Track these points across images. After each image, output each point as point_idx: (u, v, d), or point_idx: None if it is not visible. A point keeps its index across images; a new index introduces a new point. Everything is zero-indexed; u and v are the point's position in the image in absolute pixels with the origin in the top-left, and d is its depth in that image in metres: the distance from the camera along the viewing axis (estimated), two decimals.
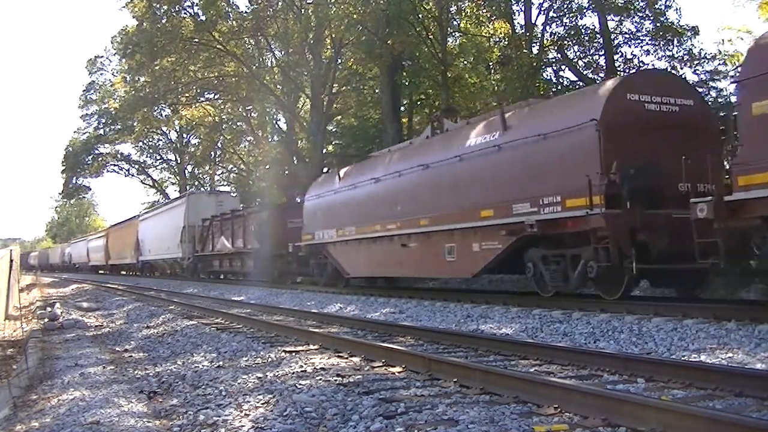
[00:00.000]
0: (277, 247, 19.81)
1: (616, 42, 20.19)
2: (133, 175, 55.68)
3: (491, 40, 22.98)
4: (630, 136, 8.88)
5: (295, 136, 32.56)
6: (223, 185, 48.53)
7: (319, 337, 7.69)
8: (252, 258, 21.91)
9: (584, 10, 20.63)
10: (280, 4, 28.41)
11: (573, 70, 20.69)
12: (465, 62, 23.72)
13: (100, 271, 52.76)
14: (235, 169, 46.70)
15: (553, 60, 21.15)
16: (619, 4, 19.73)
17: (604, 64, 20.12)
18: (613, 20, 20.22)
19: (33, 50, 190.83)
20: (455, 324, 9.10)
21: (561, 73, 21.43)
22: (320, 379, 5.32)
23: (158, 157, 55.15)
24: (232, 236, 24.02)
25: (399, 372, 5.57)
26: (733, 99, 8.61)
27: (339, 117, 32.28)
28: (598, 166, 8.74)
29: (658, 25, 19.55)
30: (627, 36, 20.36)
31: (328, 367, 5.85)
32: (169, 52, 30.06)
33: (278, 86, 32.12)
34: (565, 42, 20.61)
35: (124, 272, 46.31)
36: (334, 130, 32.32)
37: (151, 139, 52.50)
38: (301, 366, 5.97)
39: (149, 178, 56.38)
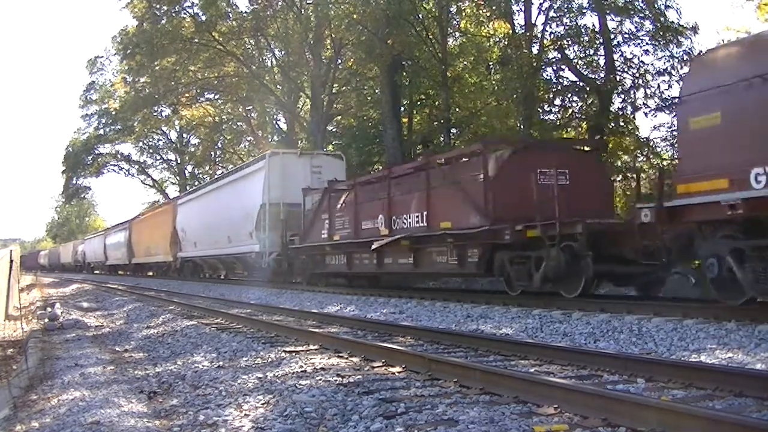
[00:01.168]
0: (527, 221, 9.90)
1: (615, 42, 20.20)
2: (133, 175, 55.75)
3: (491, 40, 22.98)
4: None
5: (295, 136, 32.58)
6: None
7: (319, 337, 7.69)
8: (464, 246, 11.22)
9: (584, 10, 20.64)
10: (280, 4, 28.45)
11: (573, 70, 20.71)
12: (465, 62, 23.73)
13: (120, 272, 44.45)
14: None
15: (553, 60, 21.16)
16: (619, 4, 19.73)
17: (603, 64, 20.14)
18: (613, 20, 20.24)
19: (33, 50, 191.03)
20: (455, 324, 9.10)
21: (561, 73, 21.44)
22: (320, 379, 5.32)
23: (158, 157, 55.20)
24: (391, 210, 13.29)
25: (399, 372, 5.57)
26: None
27: (339, 117, 32.30)
28: None
29: (658, 25, 19.56)
30: (627, 36, 20.38)
31: (328, 367, 5.85)
32: (169, 52, 30.12)
33: (278, 86, 32.17)
34: (565, 42, 20.61)
35: (151, 273, 37.49)
36: (334, 130, 32.32)
37: (151, 139, 52.52)
38: (301, 366, 5.97)
39: (149, 178, 56.41)
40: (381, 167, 22.07)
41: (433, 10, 23.08)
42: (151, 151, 54.46)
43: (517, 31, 21.18)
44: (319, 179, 18.49)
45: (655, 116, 24.70)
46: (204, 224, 24.80)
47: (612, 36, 20.04)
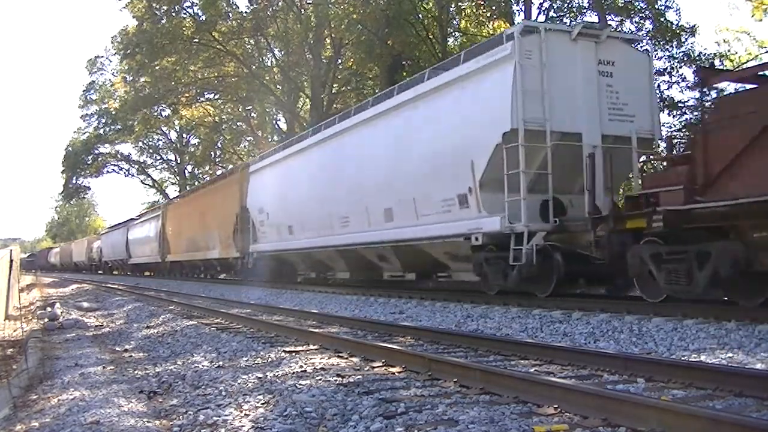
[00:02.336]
0: None
1: None
2: (133, 175, 55.94)
3: None
4: None
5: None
6: None
7: (319, 337, 7.69)
8: None
9: (584, 10, 20.68)
10: (280, 4, 28.50)
11: None
12: None
13: (146, 273, 36.99)
14: None
15: None
16: (619, 4, 19.76)
17: None
18: (613, 20, 20.25)
19: (33, 50, 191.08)
20: (455, 324, 9.10)
21: None
22: (320, 379, 5.32)
23: (158, 157, 55.41)
24: None
25: (399, 372, 5.56)
26: None
27: None
28: None
29: (658, 25, 19.59)
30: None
31: (328, 367, 5.85)
32: (169, 52, 30.17)
33: (278, 86, 32.19)
34: None
35: (177, 275, 29.53)
36: None
37: (151, 139, 52.69)
38: (301, 366, 5.97)
39: (149, 178, 56.59)
40: None
41: (433, 10, 23.10)
42: (151, 151, 54.66)
43: None
44: (609, 89, 10.18)
45: None
46: (317, 194, 15.31)
47: None
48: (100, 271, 48.62)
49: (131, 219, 41.41)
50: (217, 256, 22.90)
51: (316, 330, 8.53)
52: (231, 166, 28.06)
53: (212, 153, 48.88)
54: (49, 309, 14.10)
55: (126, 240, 38.39)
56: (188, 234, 26.76)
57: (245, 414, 4.42)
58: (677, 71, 19.25)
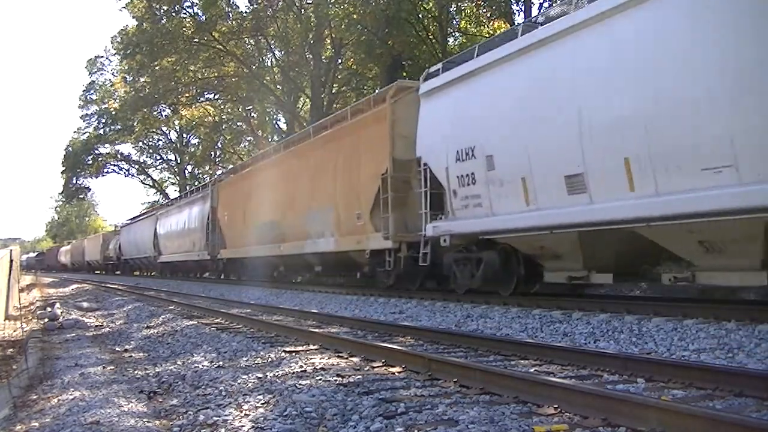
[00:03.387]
0: None
1: None
2: (133, 175, 55.97)
3: None
4: None
5: None
6: None
7: (319, 337, 7.69)
8: None
9: None
10: (280, 4, 28.52)
11: None
12: None
13: (180, 274, 29.80)
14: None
15: None
16: None
17: None
18: None
19: (33, 50, 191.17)
20: (455, 324, 9.10)
21: None
22: (320, 379, 5.32)
23: (158, 157, 55.46)
24: None
25: (399, 372, 5.56)
26: None
27: None
28: None
29: None
30: None
31: (328, 367, 5.85)
32: (169, 52, 30.21)
33: (278, 86, 32.21)
34: None
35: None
36: None
37: (151, 139, 52.72)
38: (301, 366, 5.97)
39: (149, 178, 56.62)
40: None
41: (433, 10, 23.11)
42: (151, 151, 54.70)
43: None
44: None
45: None
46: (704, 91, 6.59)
47: None
48: (117, 272, 41.54)
49: (160, 206, 34.24)
50: (332, 248, 14.11)
51: (316, 330, 8.53)
52: (375, 93, 15.35)
53: (212, 153, 48.90)
54: (49, 309, 14.11)
55: (154, 233, 30.67)
56: (263, 217, 17.90)
57: (245, 414, 4.43)
58: None
